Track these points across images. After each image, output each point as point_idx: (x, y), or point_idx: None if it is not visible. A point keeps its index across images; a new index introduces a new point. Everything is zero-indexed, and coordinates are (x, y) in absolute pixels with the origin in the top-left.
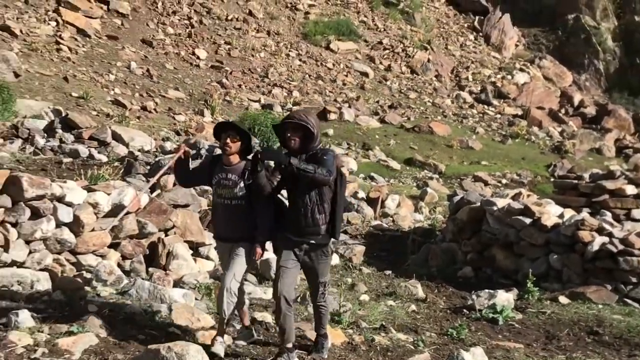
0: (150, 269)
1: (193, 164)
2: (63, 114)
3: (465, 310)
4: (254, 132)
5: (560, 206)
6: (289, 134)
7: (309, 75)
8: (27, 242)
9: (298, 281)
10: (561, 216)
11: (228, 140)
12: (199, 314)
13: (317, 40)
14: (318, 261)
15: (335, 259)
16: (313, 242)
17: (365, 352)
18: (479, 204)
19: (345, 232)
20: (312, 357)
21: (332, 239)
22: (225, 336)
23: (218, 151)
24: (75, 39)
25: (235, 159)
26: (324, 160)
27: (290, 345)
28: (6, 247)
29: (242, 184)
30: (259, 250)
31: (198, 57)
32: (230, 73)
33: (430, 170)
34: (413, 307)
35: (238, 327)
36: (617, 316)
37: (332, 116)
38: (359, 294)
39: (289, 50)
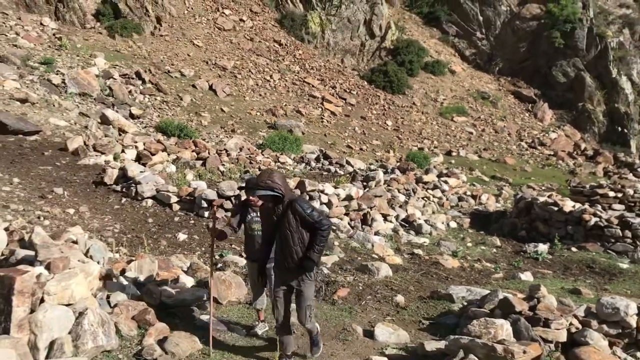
0: (364, 226)
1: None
2: (323, 151)
3: (522, 253)
4: (414, 161)
5: (573, 201)
6: (261, 202)
7: (442, 134)
8: None
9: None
10: (574, 207)
11: (252, 198)
12: (387, 249)
13: (446, 116)
14: (304, 283)
15: (453, 224)
16: (298, 270)
17: (469, 272)
18: (530, 199)
19: (459, 211)
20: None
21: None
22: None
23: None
24: (330, 117)
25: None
26: (313, 217)
27: (289, 352)
28: None
29: None
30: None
31: (387, 124)
32: (402, 132)
33: (504, 182)
34: (494, 250)
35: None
36: (603, 259)
37: (454, 154)
38: (467, 242)
39: (432, 122)
